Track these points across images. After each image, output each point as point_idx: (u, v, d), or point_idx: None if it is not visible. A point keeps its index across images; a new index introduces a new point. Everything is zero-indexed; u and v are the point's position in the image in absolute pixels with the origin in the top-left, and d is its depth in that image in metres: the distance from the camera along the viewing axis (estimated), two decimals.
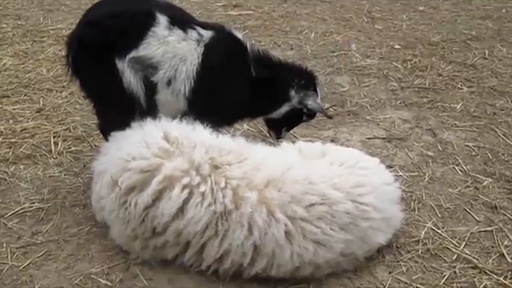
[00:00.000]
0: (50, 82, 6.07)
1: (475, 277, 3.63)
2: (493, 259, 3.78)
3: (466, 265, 3.73)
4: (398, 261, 3.75)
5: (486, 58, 6.80)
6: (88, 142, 4.98)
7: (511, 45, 7.19)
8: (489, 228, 4.05)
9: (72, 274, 3.60)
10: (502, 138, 5.17)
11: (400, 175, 4.59)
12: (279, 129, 4.70)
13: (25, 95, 5.81)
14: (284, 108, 4.46)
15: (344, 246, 3.48)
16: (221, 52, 4.18)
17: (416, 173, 4.69)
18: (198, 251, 3.48)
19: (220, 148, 3.65)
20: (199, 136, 3.73)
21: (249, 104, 4.37)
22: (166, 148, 3.59)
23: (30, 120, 5.33)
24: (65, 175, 4.55)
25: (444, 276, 3.62)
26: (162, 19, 4.01)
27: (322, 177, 3.56)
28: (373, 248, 3.69)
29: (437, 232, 4.01)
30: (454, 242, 3.92)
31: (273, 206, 3.41)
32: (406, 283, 3.58)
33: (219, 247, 3.41)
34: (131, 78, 4.03)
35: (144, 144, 3.62)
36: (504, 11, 8.47)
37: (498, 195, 4.39)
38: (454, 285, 3.57)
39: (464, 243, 3.91)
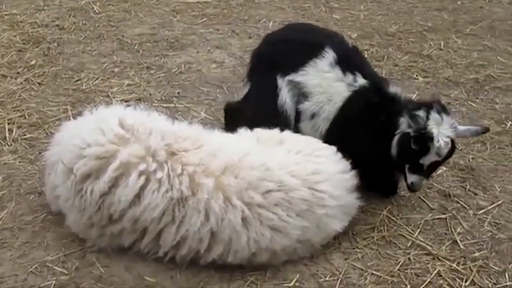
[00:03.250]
0: (4, 68, 5.95)
1: (428, 263, 3.71)
2: (446, 246, 3.86)
3: (420, 252, 3.80)
4: (354, 248, 3.80)
5: (441, 49, 6.87)
6: (44, 129, 4.91)
7: (466, 36, 7.29)
8: (442, 216, 4.13)
9: (27, 262, 3.57)
10: None
11: None
12: (402, 169, 4.02)
13: None
14: (395, 139, 3.98)
15: (301, 233, 3.51)
16: (361, 103, 4.14)
17: None
18: (155, 238, 3.48)
19: (176, 134, 3.63)
20: (154, 123, 3.71)
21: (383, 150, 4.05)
22: (122, 134, 3.55)
23: None
24: (20, 162, 4.48)
25: (399, 262, 3.69)
26: (329, 55, 4.20)
27: (279, 164, 3.59)
28: (329, 235, 3.72)
29: (392, 220, 4.07)
30: (409, 229, 3.99)
31: (230, 192, 3.42)
32: (361, 269, 3.64)
33: (176, 234, 3.41)
34: (286, 98, 4.27)
35: (99, 130, 3.58)
36: (459, 3, 8.56)
37: (451, 183, 4.47)
38: (408, 271, 3.63)
39: (418, 230, 3.99)
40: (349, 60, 4.25)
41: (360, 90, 4.15)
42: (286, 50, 4.34)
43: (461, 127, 3.92)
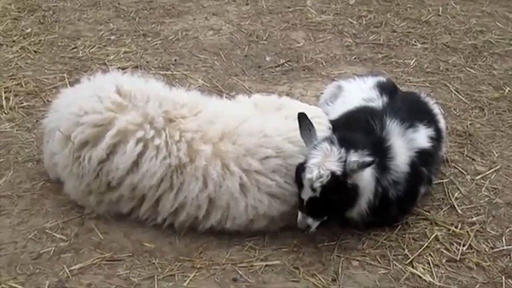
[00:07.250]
0: (0, 36, 5.94)
1: (426, 228, 3.73)
2: (444, 211, 3.88)
3: (418, 217, 3.81)
4: None
5: (440, 15, 6.84)
6: (41, 97, 4.90)
7: (465, 2, 7.24)
8: (440, 181, 4.13)
9: (27, 229, 3.58)
10: (454, 94, 5.24)
11: None
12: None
13: None
14: None
15: None
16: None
17: None
18: (153, 205, 3.50)
19: (174, 101, 3.62)
20: (152, 89, 3.70)
21: None
22: (119, 101, 3.55)
23: None
24: (17, 130, 4.48)
25: (397, 227, 3.70)
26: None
27: (277, 130, 3.58)
28: None
29: None
30: None
31: (227, 159, 3.42)
32: (359, 234, 3.65)
33: (174, 200, 3.42)
34: None
35: (96, 98, 3.57)
36: None
37: (449, 149, 4.46)
38: (406, 236, 3.65)
39: None
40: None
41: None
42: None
43: (353, 159, 3.30)
